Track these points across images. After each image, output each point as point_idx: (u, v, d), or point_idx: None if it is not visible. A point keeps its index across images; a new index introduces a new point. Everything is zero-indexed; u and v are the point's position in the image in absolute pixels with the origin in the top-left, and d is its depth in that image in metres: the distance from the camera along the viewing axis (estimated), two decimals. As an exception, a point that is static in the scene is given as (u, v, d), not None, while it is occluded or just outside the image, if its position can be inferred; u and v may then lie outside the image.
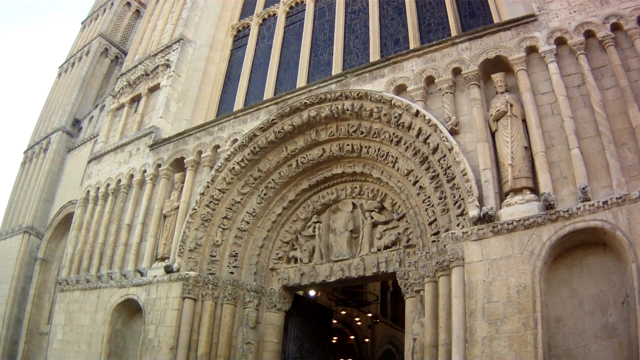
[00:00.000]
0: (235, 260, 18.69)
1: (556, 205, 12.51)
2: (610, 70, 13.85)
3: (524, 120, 14.31)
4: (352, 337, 33.91)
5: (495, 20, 17.91)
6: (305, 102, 18.20)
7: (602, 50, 14.25)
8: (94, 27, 40.77)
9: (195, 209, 18.62)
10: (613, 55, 13.93)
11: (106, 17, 40.70)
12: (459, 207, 14.01)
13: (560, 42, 14.87)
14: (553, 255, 12.35)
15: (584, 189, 12.22)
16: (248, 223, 19.10)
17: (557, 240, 12.18)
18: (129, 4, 42.00)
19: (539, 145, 13.52)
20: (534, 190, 13.33)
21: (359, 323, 34.17)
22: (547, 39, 14.97)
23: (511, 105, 14.42)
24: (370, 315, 34.63)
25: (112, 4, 41.45)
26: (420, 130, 15.67)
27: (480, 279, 12.50)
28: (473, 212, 13.27)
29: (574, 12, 15.16)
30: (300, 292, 19.97)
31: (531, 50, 15.20)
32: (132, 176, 22.26)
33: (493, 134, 14.66)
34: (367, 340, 35.28)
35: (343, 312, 30.85)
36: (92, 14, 42.96)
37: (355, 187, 18.69)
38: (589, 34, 14.58)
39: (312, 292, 21.03)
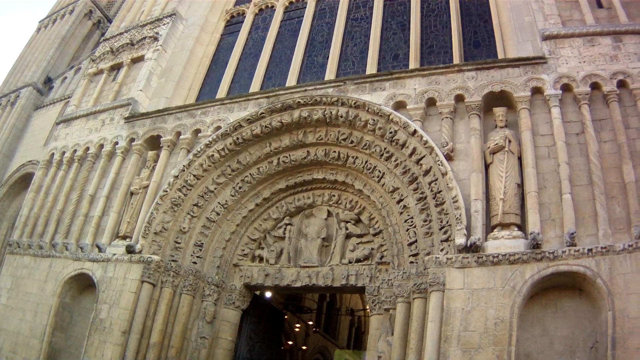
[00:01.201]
0: (200, 250, 19.08)
1: (542, 245, 13.55)
2: (610, 124, 15.11)
3: (519, 158, 15.35)
4: (290, 342, 34.49)
5: (500, 54, 19.10)
6: (299, 101, 18.82)
7: (605, 104, 15.50)
8: (83, -14, 40.85)
9: (166, 191, 18.96)
10: (615, 111, 15.18)
11: (96, -22, 40.71)
12: (445, 232, 14.94)
13: (566, 88, 16.06)
14: (531, 293, 13.36)
15: (572, 234, 13.31)
16: (218, 214, 19.47)
17: (540, 279, 13.24)
18: (121, -31, 42.10)
19: (533, 185, 14.58)
20: (521, 227, 14.38)
21: (297, 330, 34.83)
22: (554, 83, 16.14)
23: (509, 141, 15.46)
24: (310, 323, 35.33)
25: (104, -34, 41.63)
26: (414, 150, 16.54)
27: (459, 306, 13.41)
28: (460, 240, 14.22)
29: (584, 62, 16.42)
30: (257, 292, 20.47)
31: (536, 91, 16.33)
32: (102, 146, 22.45)
33: (487, 166, 15.68)
34: (304, 347, 35.95)
35: (285, 317, 31.44)
36: (84, -28, 42.98)
37: (334, 195, 19.36)
38: (595, 86, 15.80)
39: (268, 294, 21.55)
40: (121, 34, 27.27)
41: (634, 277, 12.46)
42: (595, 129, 15.01)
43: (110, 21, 37.02)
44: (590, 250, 13.10)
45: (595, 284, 12.73)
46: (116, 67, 25.75)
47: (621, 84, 15.58)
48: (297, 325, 34.77)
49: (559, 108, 15.64)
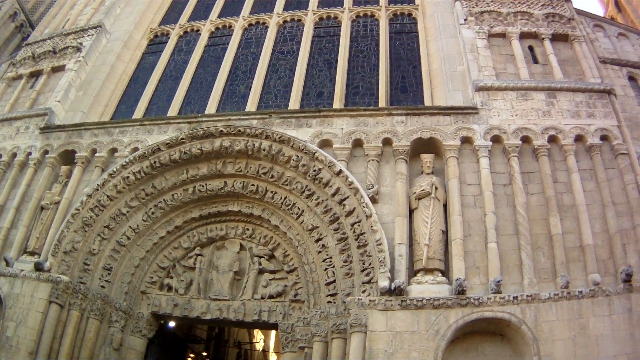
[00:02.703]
0: (109, 274, 18.16)
1: (466, 292, 13.90)
2: (538, 177, 15.89)
3: (445, 205, 15.71)
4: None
5: (427, 101, 19.58)
6: (222, 130, 18.54)
7: (535, 157, 16.24)
8: (11, -15, 39.82)
9: (78, 210, 18.10)
10: (545, 165, 15.95)
11: (24, -20, 39.74)
12: (368, 274, 14.98)
13: (496, 140, 16.66)
14: (453, 337, 13.66)
15: (498, 282, 13.79)
16: (129, 238, 18.69)
17: (464, 324, 13.61)
18: (50, -26, 41.19)
19: (458, 232, 14.99)
20: (444, 273, 14.69)
21: (191, 360, 34.09)
22: (484, 134, 16.72)
23: (436, 188, 15.80)
24: (205, 354, 34.57)
25: (34, -31, 40.79)
26: (338, 190, 16.57)
27: (382, 348, 13.47)
28: (383, 283, 14.29)
29: (516, 115, 17.11)
30: (162, 321, 19.66)
31: (466, 140, 16.81)
32: (14, 155, 21.11)
33: (411, 211, 15.89)
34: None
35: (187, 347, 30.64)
36: (13, -29, 41.95)
37: (248, 229, 18.97)
38: (526, 140, 16.51)
39: (172, 323, 20.69)
40: (44, 40, 26.33)
41: (560, 324, 13.19)
42: (523, 181, 15.68)
43: (32, 26, 36.18)
44: (515, 297, 13.61)
45: (520, 330, 13.27)
46: (36, 74, 24.75)
47: (552, 139, 16.40)
48: (191, 355, 33.87)
49: (487, 159, 16.18)
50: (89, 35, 25.06)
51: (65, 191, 19.18)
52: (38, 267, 17.15)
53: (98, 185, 18.46)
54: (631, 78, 20.74)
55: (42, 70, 24.42)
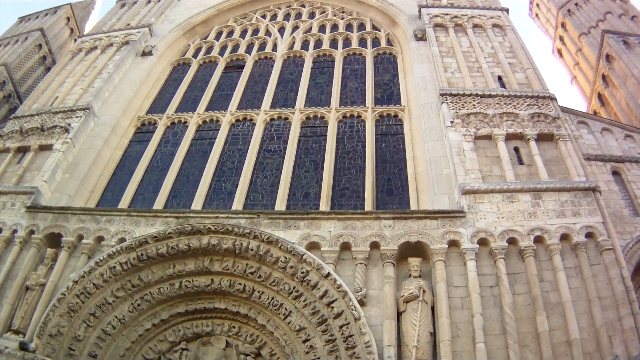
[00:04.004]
0: (94, 362, 18.34)
1: None
2: (524, 277, 16.50)
3: (432, 307, 16.18)
4: None
5: (413, 204, 20.34)
6: (209, 228, 18.83)
7: (521, 258, 16.89)
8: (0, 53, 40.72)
9: (64, 295, 18.09)
10: (531, 265, 16.59)
11: (15, 50, 40.90)
12: None
13: (482, 242, 17.31)
14: None
15: None
16: (114, 328, 18.50)
17: None
18: (40, 46, 42.35)
19: (447, 334, 15.42)
20: None
21: None
22: (471, 237, 17.33)
23: (424, 292, 16.31)
24: None
25: (25, 38, 41.84)
26: (326, 292, 16.91)
27: None
28: None
29: (502, 217, 17.84)
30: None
31: (453, 244, 17.43)
32: (0, 230, 21.20)
33: (399, 313, 16.28)
34: None
35: None
36: (3, 39, 43.25)
37: (234, 327, 18.91)
38: (512, 241, 17.20)
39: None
40: (32, 115, 26.87)
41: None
42: (510, 282, 16.24)
43: (20, 97, 37.04)
44: (507, 396, 14.26)
45: None
46: (23, 150, 25.08)
47: (538, 239, 17.08)
48: None
49: (474, 261, 16.73)
50: (77, 117, 25.65)
51: (51, 274, 19.26)
52: (23, 347, 17.19)
53: (84, 272, 18.50)
54: (615, 172, 22.00)
55: (30, 146, 24.88)
